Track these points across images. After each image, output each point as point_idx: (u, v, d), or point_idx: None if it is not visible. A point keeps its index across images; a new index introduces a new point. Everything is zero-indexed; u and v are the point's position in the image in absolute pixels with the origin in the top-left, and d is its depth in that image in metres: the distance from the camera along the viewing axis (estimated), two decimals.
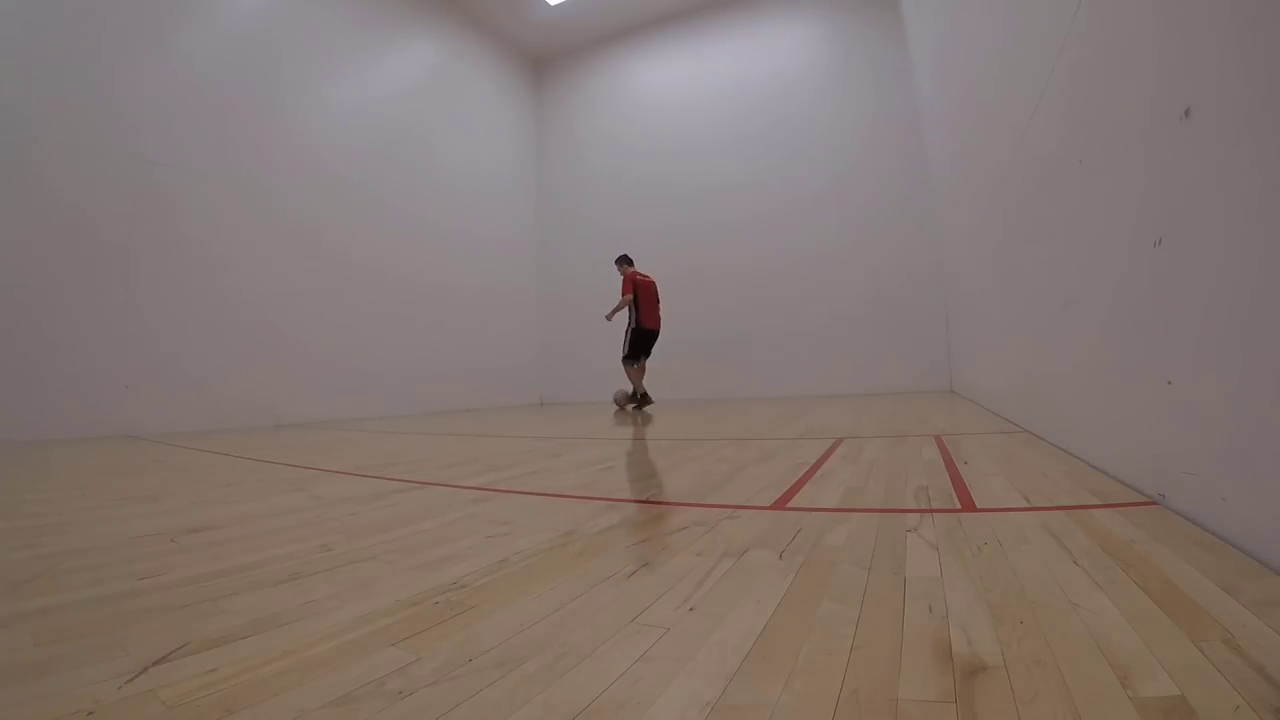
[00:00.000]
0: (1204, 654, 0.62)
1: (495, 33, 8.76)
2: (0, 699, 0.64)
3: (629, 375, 5.80)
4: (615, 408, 5.97)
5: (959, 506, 1.37)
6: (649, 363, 6.07)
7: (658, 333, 5.96)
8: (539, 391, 8.95)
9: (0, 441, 3.77)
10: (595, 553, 1.15)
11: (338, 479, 2.20)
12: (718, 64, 8.33)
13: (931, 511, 1.33)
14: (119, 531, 1.44)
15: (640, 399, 5.77)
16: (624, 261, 6.15)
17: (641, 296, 5.82)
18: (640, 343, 5.82)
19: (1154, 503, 1.25)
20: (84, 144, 4.38)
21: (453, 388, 7.35)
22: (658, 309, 5.97)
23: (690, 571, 0.99)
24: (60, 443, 3.87)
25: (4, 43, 4.04)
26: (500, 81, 8.89)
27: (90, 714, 0.60)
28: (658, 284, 6.12)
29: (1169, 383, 1.15)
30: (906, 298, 6.95)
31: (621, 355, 5.84)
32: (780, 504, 1.49)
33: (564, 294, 9.00)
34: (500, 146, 8.82)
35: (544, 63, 9.66)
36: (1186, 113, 1.01)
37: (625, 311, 5.87)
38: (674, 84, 8.60)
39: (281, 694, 0.63)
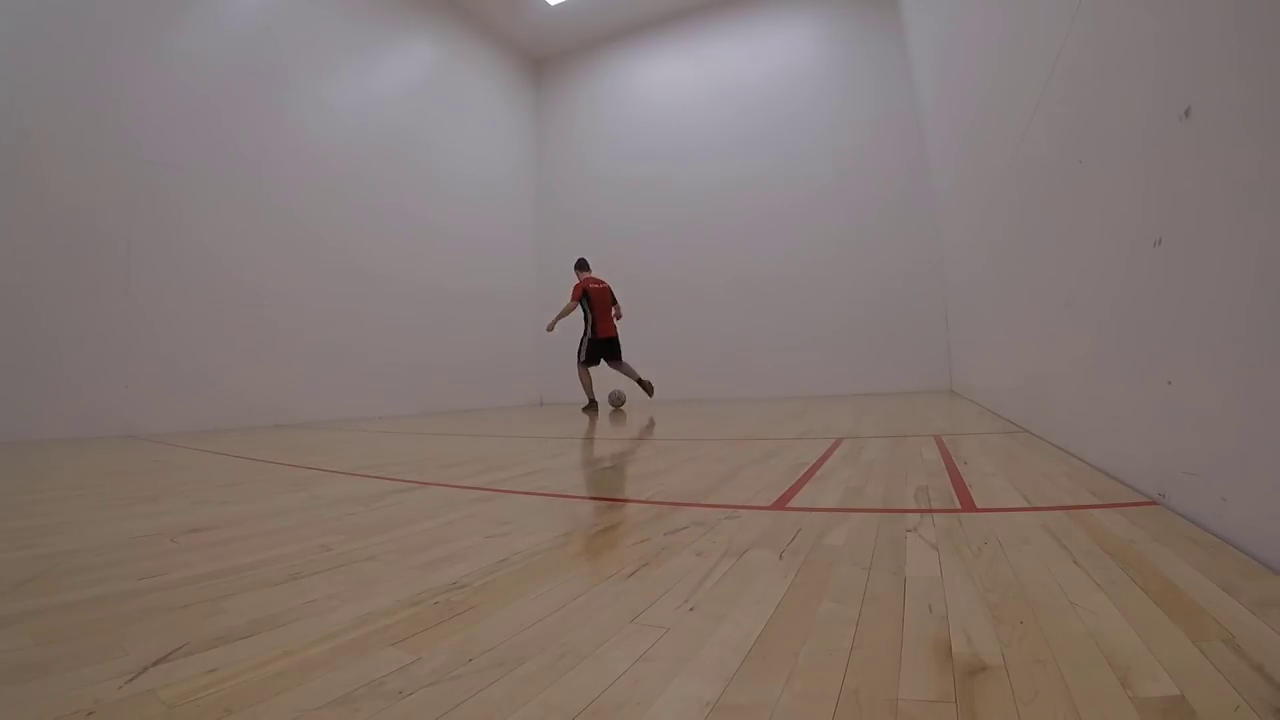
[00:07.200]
0: (1204, 654, 0.62)
1: (495, 33, 8.76)
2: (0, 699, 0.64)
3: (581, 380, 5.84)
4: (610, 408, 6.08)
5: (959, 506, 1.37)
6: (636, 362, 6.14)
7: (614, 339, 5.95)
8: (539, 391, 8.95)
9: (0, 442, 3.77)
10: (595, 553, 1.15)
11: (338, 479, 2.20)
12: (718, 64, 8.33)
13: (931, 511, 1.33)
14: (119, 532, 1.44)
15: (590, 405, 5.82)
16: (579, 267, 6.14)
17: (594, 304, 5.81)
18: (594, 351, 5.84)
19: (1154, 503, 1.25)
20: (84, 144, 4.38)
21: (453, 387, 7.36)
22: (610, 315, 5.94)
23: (690, 571, 0.99)
24: (60, 443, 3.87)
25: (4, 43, 4.04)
26: (500, 82, 8.89)
27: (90, 714, 0.60)
28: (613, 288, 6.11)
29: (1169, 383, 1.15)
30: (906, 298, 6.95)
31: (578, 360, 5.88)
32: (780, 504, 1.49)
33: (564, 294, 8.96)
34: (500, 146, 8.82)
35: (544, 63, 9.66)
36: (1186, 113, 1.01)
37: (580, 318, 5.88)
38: (674, 84, 8.60)
39: (281, 694, 0.63)
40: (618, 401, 6.16)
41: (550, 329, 5.98)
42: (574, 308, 5.83)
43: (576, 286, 5.89)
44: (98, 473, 2.54)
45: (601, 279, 6.10)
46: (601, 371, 6.03)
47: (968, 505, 1.38)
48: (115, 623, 0.85)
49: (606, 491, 1.87)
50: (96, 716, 0.60)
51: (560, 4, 8.24)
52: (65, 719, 0.59)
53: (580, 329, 5.99)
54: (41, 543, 1.34)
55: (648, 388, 6.00)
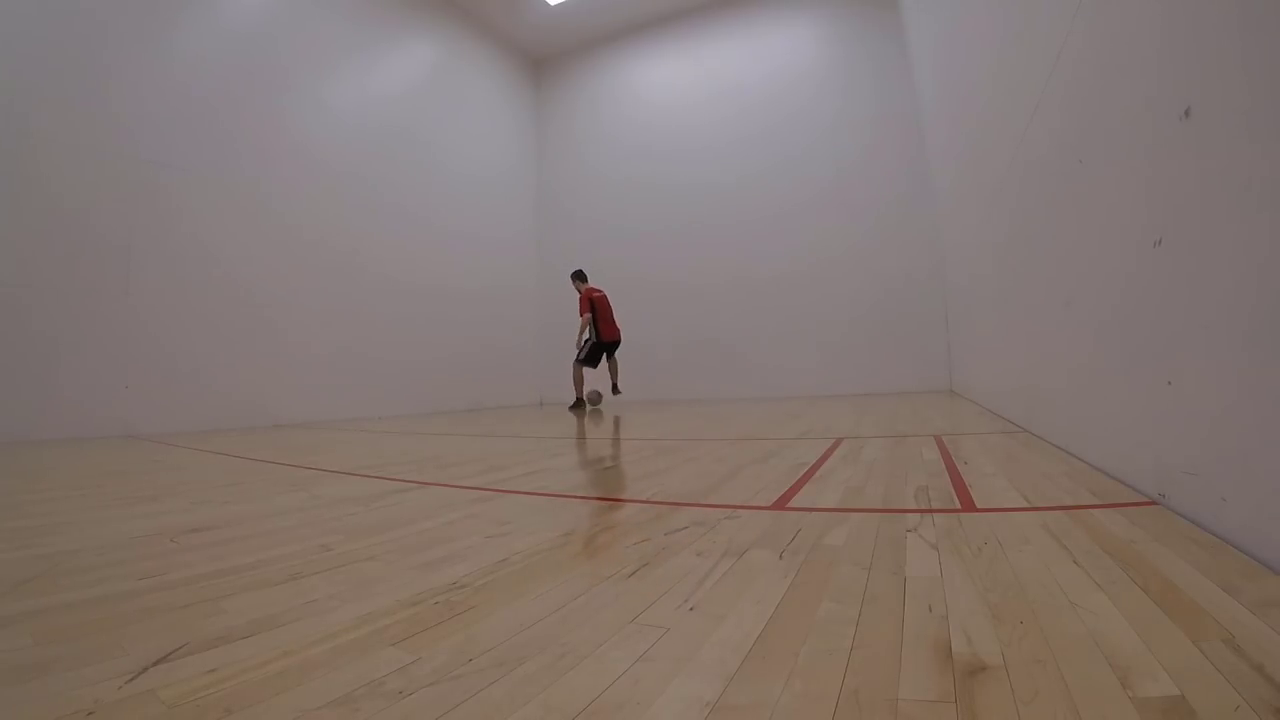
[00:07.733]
0: (1204, 654, 0.62)
1: (495, 33, 8.76)
2: (0, 699, 0.64)
3: (575, 378, 6.22)
4: (589, 407, 6.45)
5: (959, 507, 1.37)
6: (621, 363, 6.60)
7: (618, 342, 6.42)
8: (539, 391, 8.95)
9: (0, 442, 3.77)
10: (595, 553, 1.15)
11: (338, 479, 2.20)
12: (718, 64, 8.33)
13: (931, 512, 1.33)
14: (119, 532, 1.44)
15: (579, 403, 6.23)
16: (578, 278, 6.52)
17: (599, 312, 6.23)
18: (596, 353, 6.28)
19: (1154, 503, 1.25)
20: (84, 144, 4.38)
21: (453, 387, 7.36)
22: (614, 319, 6.42)
23: (690, 571, 0.99)
24: (60, 443, 3.87)
25: (4, 43, 4.04)
26: (500, 81, 8.88)
27: (90, 714, 0.60)
28: (609, 292, 6.60)
29: (1169, 383, 1.15)
30: (907, 298, 6.95)
31: (576, 358, 6.24)
32: (780, 504, 1.49)
33: (564, 294, 8.98)
34: (500, 146, 8.81)
35: (544, 63, 9.65)
36: (1186, 113, 1.01)
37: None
38: (674, 84, 8.60)
39: (281, 694, 0.63)
40: (595, 400, 6.58)
41: (580, 347, 6.33)
42: (588, 320, 6.20)
43: (582, 299, 6.23)
44: (98, 473, 2.54)
45: (599, 288, 6.49)
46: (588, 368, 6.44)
47: (968, 505, 1.38)
48: (115, 623, 0.85)
49: (607, 491, 1.87)
50: (96, 716, 0.60)
51: (560, 4, 8.24)
52: (65, 719, 0.59)
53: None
54: (41, 543, 1.34)
55: (614, 389, 6.52)
